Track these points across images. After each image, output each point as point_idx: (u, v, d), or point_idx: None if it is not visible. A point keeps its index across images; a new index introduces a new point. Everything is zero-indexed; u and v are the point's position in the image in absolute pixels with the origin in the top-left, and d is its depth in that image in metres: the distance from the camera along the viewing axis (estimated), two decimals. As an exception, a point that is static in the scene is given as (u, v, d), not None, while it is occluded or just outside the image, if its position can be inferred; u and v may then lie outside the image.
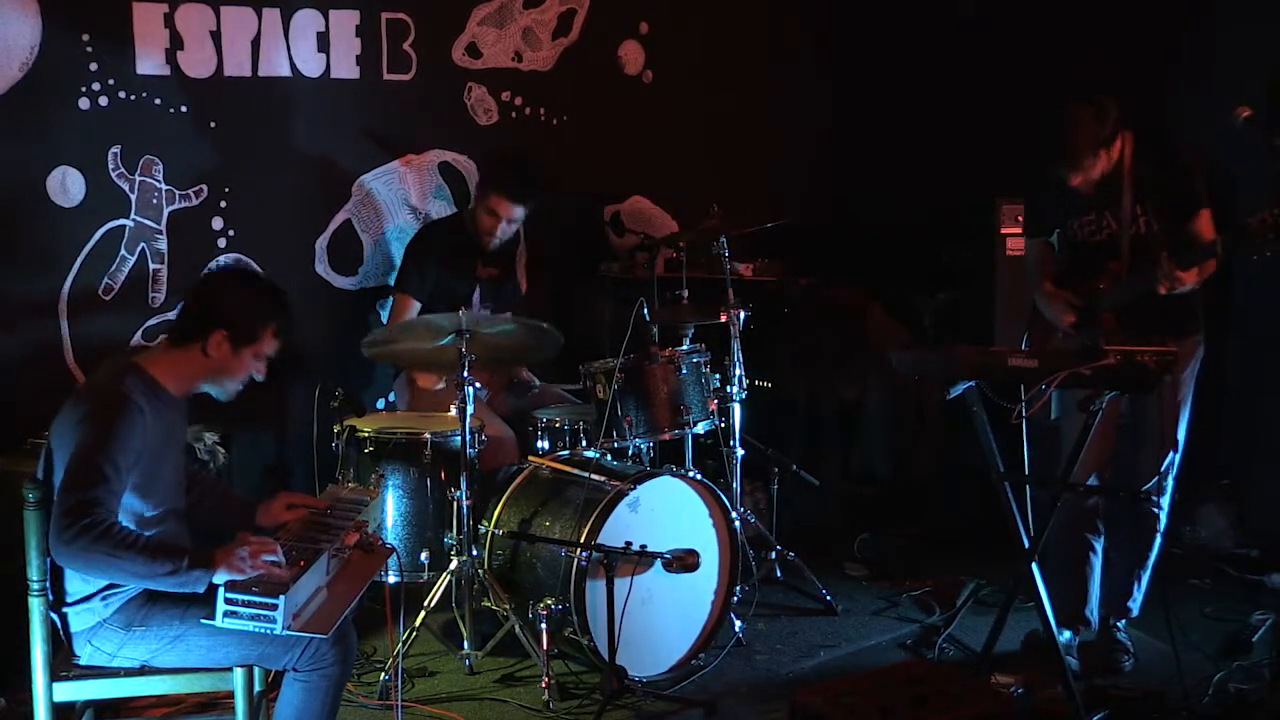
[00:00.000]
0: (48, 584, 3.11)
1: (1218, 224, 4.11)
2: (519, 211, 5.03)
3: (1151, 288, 3.98)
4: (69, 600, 3.14)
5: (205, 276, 3.57)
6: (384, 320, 5.28)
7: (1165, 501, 4.25)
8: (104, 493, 2.95)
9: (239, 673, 3.16)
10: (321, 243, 5.27)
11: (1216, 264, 4.01)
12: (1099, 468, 4.20)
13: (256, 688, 3.22)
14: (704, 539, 4.35)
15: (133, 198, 4.77)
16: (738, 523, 4.51)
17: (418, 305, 5.01)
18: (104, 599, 3.12)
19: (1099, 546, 4.34)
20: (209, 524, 3.41)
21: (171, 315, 4.84)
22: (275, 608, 2.90)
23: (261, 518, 3.45)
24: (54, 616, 3.15)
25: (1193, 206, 4.09)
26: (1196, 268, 3.96)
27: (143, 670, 3.17)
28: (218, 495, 3.54)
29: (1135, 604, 4.38)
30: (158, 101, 4.78)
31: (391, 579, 4.14)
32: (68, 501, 2.93)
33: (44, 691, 3.12)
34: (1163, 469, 4.18)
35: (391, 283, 5.27)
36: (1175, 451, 4.18)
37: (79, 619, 3.15)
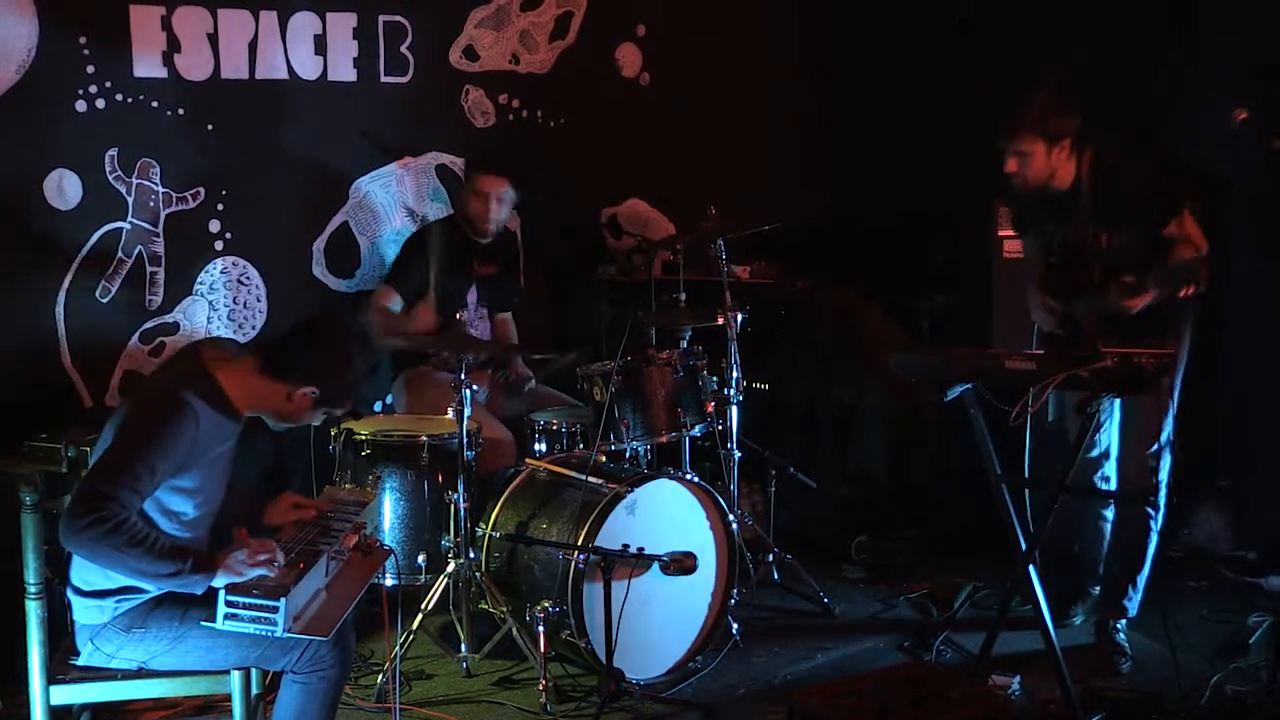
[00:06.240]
0: (46, 586, 3.11)
1: (1207, 223, 4.10)
2: (507, 189, 5.00)
3: (1110, 311, 4.03)
4: (83, 590, 3.13)
5: (324, 327, 3.36)
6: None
7: (1160, 502, 4.25)
8: (127, 490, 2.94)
9: (236, 675, 3.16)
10: (319, 245, 5.26)
11: (1196, 286, 3.97)
12: None
13: (254, 690, 3.21)
14: (701, 541, 4.35)
15: (129, 200, 4.76)
16: (735, 525, 4.51)
17: (400, 299, 5.00)
18: (117, 601, 3.12)
19: (1109, 514, 4.40)
20: (218, 520, 3.41)
21: (169, 318, 4.86)
22: (276, 610, 2.90)
23: (269, 517, 3.45)
24: (66, 596, 3.14)
25: (1168, 211, 4.08)
26: (1140, 297, 3.99)
27: (140, 673, 3.16)
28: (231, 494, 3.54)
29: (1132, 605, 4.38)
30: (155, 104, 4.76)
31: (389, 581, 4.15)
32: (87, 489, 2.93)
33: (41, 694, 3.12)
34: (1152, 471, 4.19)
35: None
36: (1165, 453, 4.19)
37: (88, 613, 3.14)
